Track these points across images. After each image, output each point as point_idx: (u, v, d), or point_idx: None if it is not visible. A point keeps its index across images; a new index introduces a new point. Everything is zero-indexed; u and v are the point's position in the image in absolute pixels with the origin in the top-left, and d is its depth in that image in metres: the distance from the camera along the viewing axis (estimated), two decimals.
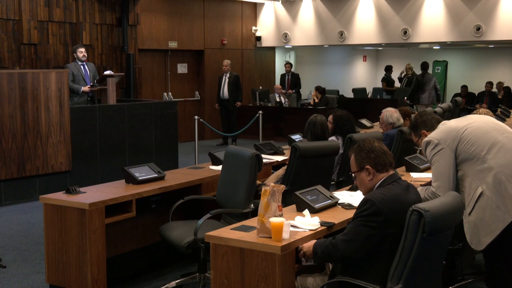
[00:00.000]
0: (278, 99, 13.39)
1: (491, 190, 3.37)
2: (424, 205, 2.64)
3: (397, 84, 15.77)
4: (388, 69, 15.79)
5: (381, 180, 3.01)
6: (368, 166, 3.02)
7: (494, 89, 14.90)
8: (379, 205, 2.79)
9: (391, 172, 3.04)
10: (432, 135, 3.61)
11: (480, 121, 3.60)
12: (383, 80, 15.72)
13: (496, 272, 3.53)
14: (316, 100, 13.41)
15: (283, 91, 13.86)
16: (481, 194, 3.39)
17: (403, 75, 15.45)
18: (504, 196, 3.35)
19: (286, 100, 13.66)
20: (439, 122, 3.76)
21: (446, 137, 3.53)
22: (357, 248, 2.81)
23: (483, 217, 3.38)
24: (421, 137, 3.81)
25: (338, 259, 2.88)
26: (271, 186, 3.19)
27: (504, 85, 14.78)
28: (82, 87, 8.58)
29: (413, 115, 5.61)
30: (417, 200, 2.93)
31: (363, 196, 3.06)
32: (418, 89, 12.09)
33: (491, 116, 4.89)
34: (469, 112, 12.27)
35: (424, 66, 12.38)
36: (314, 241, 3.06)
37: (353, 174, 3.14)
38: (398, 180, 3.00)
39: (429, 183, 3.76)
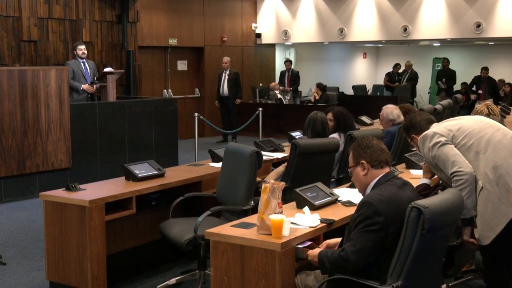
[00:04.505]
0: (279, 96, 13.38)
1: (491, 184, 3.35)
2: (424, 202, 2.64)
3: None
4: (395, 66, 15.87)
5: (376, 179, 3.02)
6: (363, 161, 3.05)
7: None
8: (377, 206, 2.79)
9: (387, 170, 3.05)
10: (429, 130, 3.58)
11: (472, 120, 3.61)
12: (387, 74, 15.74)
13: (495, 269, 3.53)
14: (317, 97, 13.40)
15: (281, 88, 13.84)
16: (481, 188, 3.37)
17: (403, 73, 15.47)
18: (506, 189, 3.33)
19: (287, 97, 13.65)
20: (430, 123, 3.72)
21: (443, 131, 3.51)
22: (367, 255, 2.80)
23: (483, 212, 3.36)
24: (412, 140, 3.80)
25: (351, 270, 2.84)
26: (271, 183, 3.19)
27: (506, 82, 14.73)
28: (82, 85, 8.55)
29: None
30: (413, 197, 2.93)
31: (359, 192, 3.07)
32: None
33: (490, 105, 4.88)
34: (470, 109, 12.29)
35: None
36: (318, 249, 3.06)
37: (349, 170, 3.17)
38: (392, 178, 3.01)
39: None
